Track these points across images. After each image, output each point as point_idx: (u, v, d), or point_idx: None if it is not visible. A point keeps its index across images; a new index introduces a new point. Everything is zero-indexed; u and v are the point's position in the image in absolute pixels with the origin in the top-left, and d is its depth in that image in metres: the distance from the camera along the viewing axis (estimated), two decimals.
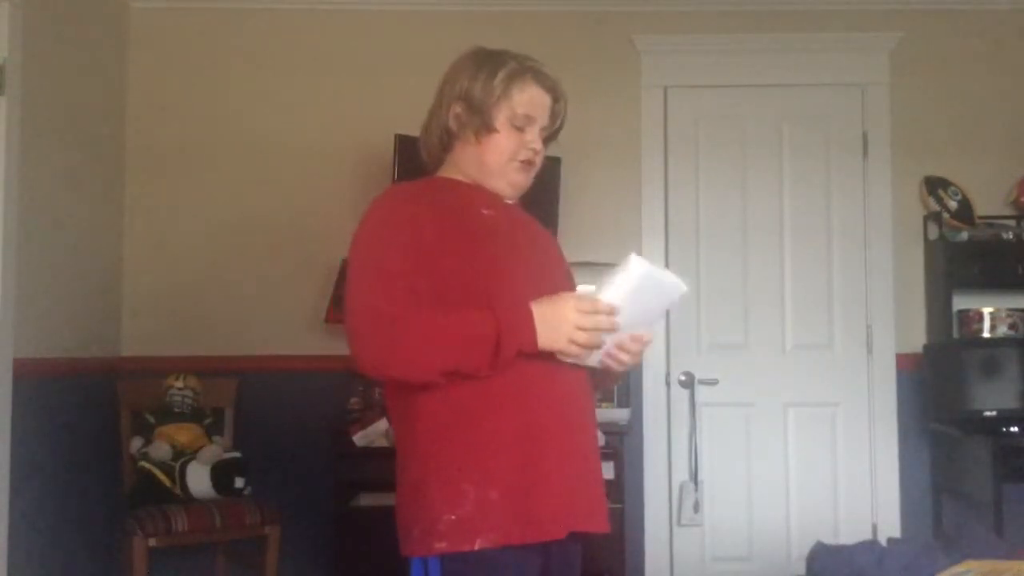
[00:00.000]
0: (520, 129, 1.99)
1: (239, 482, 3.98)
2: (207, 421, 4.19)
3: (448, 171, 2.07)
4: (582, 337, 1.82)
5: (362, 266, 1.90)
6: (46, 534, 3.72)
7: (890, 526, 4.44)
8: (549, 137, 2.07)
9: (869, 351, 4.56)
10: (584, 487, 1.94)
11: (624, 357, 1.93)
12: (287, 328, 4.47)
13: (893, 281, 4.56)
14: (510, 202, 2.07)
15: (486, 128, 1.98)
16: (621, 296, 1.83)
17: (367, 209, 1.99)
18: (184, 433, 4.06)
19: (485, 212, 1.98)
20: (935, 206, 4.50)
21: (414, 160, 4.09)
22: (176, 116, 4.56)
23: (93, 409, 4.14)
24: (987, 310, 4.39)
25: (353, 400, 4.19)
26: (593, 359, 1.90)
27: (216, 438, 4.17)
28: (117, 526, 4.05)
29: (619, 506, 4.03)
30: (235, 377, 4.36)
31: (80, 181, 4.10)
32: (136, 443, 4.06)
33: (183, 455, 3.98)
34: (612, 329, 1.84)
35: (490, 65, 2.00)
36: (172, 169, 4.55)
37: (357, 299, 1.87)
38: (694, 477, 4.48)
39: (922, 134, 4.60)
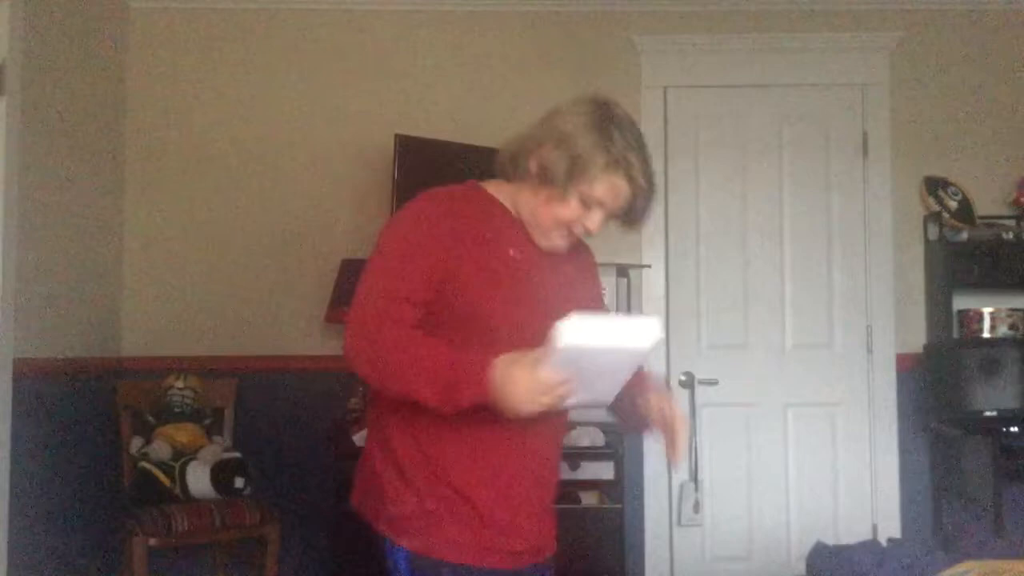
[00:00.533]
0: (587, 207, 1.93)
1: (239, 482, 3.97)
2: (207, 421, 4.19)
3: (500, 191, 2.04)
4: (532, 407, 1.77)
5: (373, 270, 1.93)
6: (46, 534, 3.72)
7: (890, 526, 4.44)
8: (620, 220, 2.00)
9: (869, 351, 4.56)
10: (527, 524, 2.00)
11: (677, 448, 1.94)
12: (287, 328, 4.48)
13: (893, 281, 4.57)
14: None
15: (557, 195, 1.92)
16: (561, 367, 1.73)
17: (400, 212, 2.01)
18: (184, 433, 4.06)
19: (511, 253, 1.96)
20: (935, 206, 4.50)
21: (414, 160, 4.15)
22: (176, 116, 4.56)
23: (93, 409, 4.14)
24: (987, 310, 4.39)
25: (353, 400, 4.18)
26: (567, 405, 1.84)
27: (216, 438, 4.18)
28: (117, 526, 4.05)
29: (619, 506, 4.03)
30: (235, 377, 4.36)
31: (80, 181, 4.10)
32: (136, 443, 4.06)
33: (183, 455, 3.98)
34: (564, 399, 1.78)
35: (605, 137, 1.90)
36: (172, 169, 4.55)
37: (356, 305, 1.92)
38: (694, 477, 4.49)
39: (922, 134, 4.61)
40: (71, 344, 3.98)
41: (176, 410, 4.12)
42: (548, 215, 1.94)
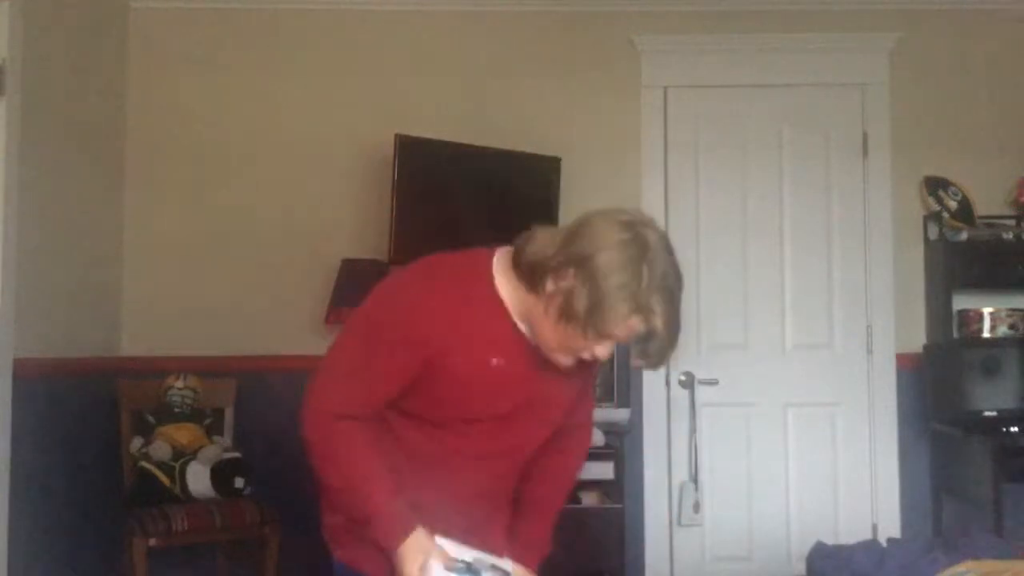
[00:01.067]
0: (600, 340, 1.81)
1: (239, 482, 3.98)
2: (207, 421, 4.19)
3: (509, 288, 1.88)
4: None
5: (351, 347, 1.92)
6: (46, 534, 3.72)
7: (890, 526, 4.44)
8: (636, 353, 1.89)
9: (869, 351, 4.56)
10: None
11: None
12: (287, 328, 4.47)
13: (893, 281, 4.56)
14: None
15: (571, 324, 1.78)
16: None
17: (398, 280, 1.93)
18: (184, 433, 4.06)
19: (494, 362, 1.87)
20: (935, 206, 4.50)
21: (414, 160, 4.15)
22: (176, 116, 4.56)
23: (93, 409, 4.13)
24: (987, 310, 4.39)
25: None
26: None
27: (216, 438, 4.17)
28: (117, 526, 4.05)
29: (619, 506, 4.04)
30: (235, 377, 4.36)
31: (80, 181, 4.09)
32: (136, 443, 4.06)
33: (183, 455, 3.98)
34: None
35: (627, 280, 1.75)
36: (172, 169, 4.55)
37: (322, 381, 1.93)
38: (694, 477, 4.48)
39: (922, 134, 4.60)
40: (71, 344, 3.98)
41: (176, 410, 4.12)
42: (557, 339, 1.83)
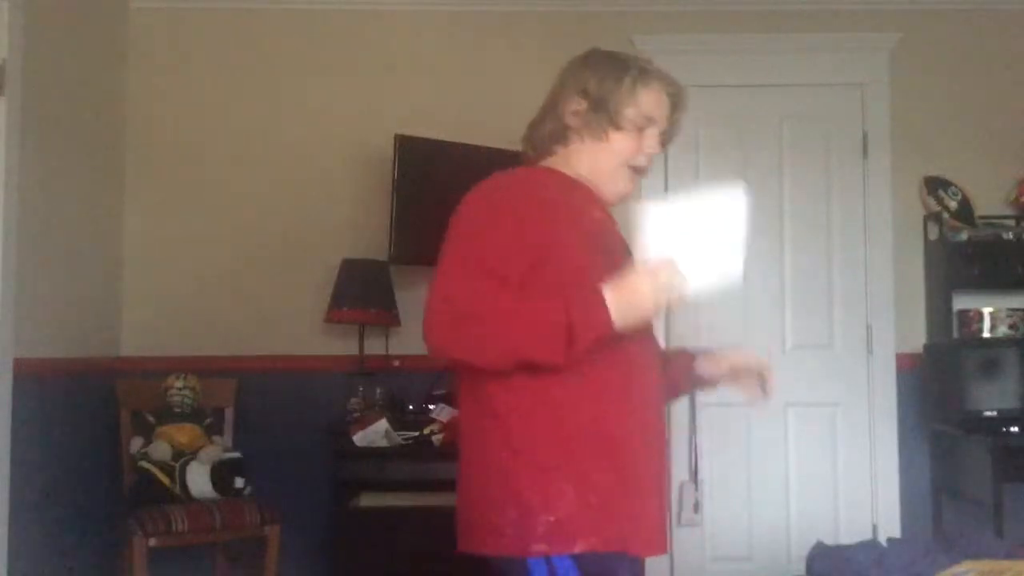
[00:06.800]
0: (640, 130, 1.98)
1: (239, 482, 3.98)
2: (207, 421, 4.19)
3: (557, 164, 2.03)
4: (660, 301, 1.77)
5: (452, 256, 1.84)
6: (46, 534, 3.72)
7: (890, 526, 4.44)
8: (665, 139, 2.08)
9: (869, 351, 4.56)
10: (661, 508, 1.93)
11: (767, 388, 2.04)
12: (287, 328, 4.47)
13: (893, 281, 4.56)
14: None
15: (612, 125, 1.96)
16: (663, 244, 1.77)
17: (468, 196, 1.95)
18: (184, 433, 4.06)
19: (596, 215, 1.96)
20: (935, 206, 4.50)
21: (414, 160, 4.15)
22: (176, 116, 4.56)
23: (93, 409, 4.13)
24: (987, 310, 4.39)
25: (353, 400, 4.19)
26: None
27: (216, 438, 4.17)
28: (117, 526, 4.05)
29: None
30: (235, 377, 4.36)
31: (80, 181, 4.09)
32: (136, 443, 4.06)
33: (183, 455, 3.98)
34: (685, 280, 1.78)
35: (617, 65, 2.00)
36: (172, 169, 4.55)
37: (438, 289, 1.80)
38: (694, 477, 4.48)
39: (922, 134, 4.60)
40: (71, 344, 3.98)
41: (176, 410, 4.12)
42: (607, 156, 1.97)
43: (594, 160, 1.98)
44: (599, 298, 1.73)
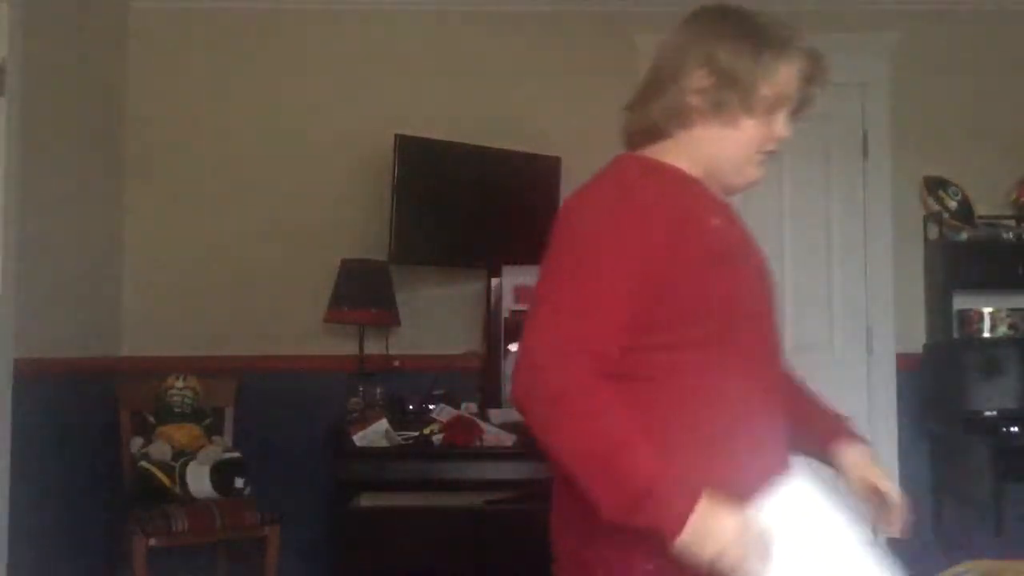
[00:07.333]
0: (773, 112, 1.69)
1: (239, 482, 3.98)
2: (207, 421, 4.19)
3: (667, 155, 1.68)
4: (733, 559, 1.44)
5: (560, 281, 1.54)
6: (46, 534, 3.72)
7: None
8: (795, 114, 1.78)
9: (869, 351, 4.56)
10: None
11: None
12: (287, 328, 4.47)
13: (893, 281, 4.56)
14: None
15: (745, 109, 1.64)
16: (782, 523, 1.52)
17: (591, 183, 1.68)
18: (184, 433, 4.06)
19: (714, 222, 1.63)
20: (935, 206, 4.50)
21: (414, 160, 4.14)
22: (176, 116, 4.55)
23: (93, 409, 4.13)
24: (987, 310, 4.39)
25: (353, 400, 4.18)
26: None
27: (216, 438, 4.17)
28: (117, 526, 4.05)
29: None
30: (235, 377, 4.36)
31: (80, 181, 4.09)
32: (136, 443, 4.06)
33: (183, 455, 3.98)
34: (764, 562, 1.47)
35: (753, 33, 1.68)
36: (172, 169, 4.55)
37: (534, 331, 1.51)
38: None
39: (922, 134, 4.60)
40: (71, 344, 3.97)
41: (176, 410, 4.12)
42: (736, 150, 1.67)
43: (720, 149, 1.67)
44: (688, 503, 1.43)
